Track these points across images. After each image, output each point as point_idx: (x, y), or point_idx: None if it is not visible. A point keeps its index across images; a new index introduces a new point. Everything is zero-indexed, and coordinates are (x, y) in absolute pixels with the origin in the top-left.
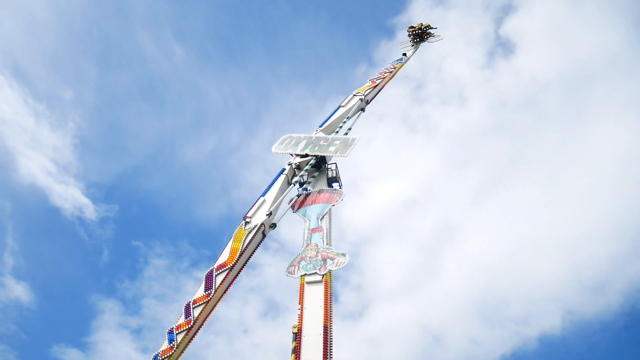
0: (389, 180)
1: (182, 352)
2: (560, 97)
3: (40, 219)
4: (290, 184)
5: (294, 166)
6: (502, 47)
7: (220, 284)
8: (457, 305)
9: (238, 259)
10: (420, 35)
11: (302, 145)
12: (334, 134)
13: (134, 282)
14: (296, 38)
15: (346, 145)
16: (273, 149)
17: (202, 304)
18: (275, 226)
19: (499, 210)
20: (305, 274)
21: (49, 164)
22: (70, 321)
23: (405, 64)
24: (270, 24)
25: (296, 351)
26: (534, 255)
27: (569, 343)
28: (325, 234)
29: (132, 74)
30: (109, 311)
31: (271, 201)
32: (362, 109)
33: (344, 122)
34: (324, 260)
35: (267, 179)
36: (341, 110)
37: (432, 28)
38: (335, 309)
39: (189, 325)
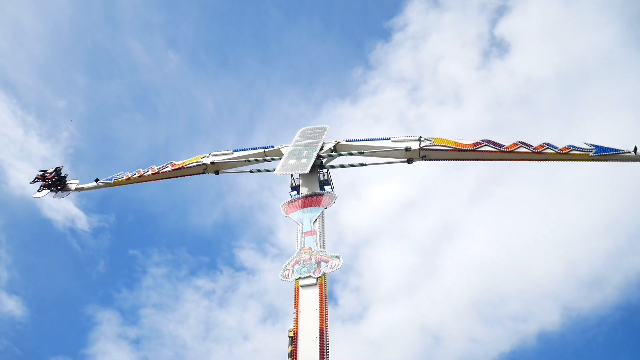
0: (387, 181)
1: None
2: (555, 96)
3: (32, 231)
4: (268, 161)
5: (281, 151)
6: (497, 47)
7: (158, 173)
8: (456, 305)
9: (177, 170)
10: None
11: (304, 142)
12: (327, 157)
13: (132, 292)
14: (289, 44)
15: (294, 167)
16: (300, 131)
17: (148, 174)
18: (218, 173)
19: (496, 210)
20: (299, 278)
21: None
22: (67, 333)
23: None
24: (263, 31)
25: (292, 355)
26: (531, 253)
27: (567, 339)
28: (318, 236)
29: (123, 82)
30: (107, 322)
31: (233, 157)
32: (409, 160)
33: (353, 154)
34: (318, 263)
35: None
36: (383, 143)
37: None
38: (335, 312)
39: (129, 177)
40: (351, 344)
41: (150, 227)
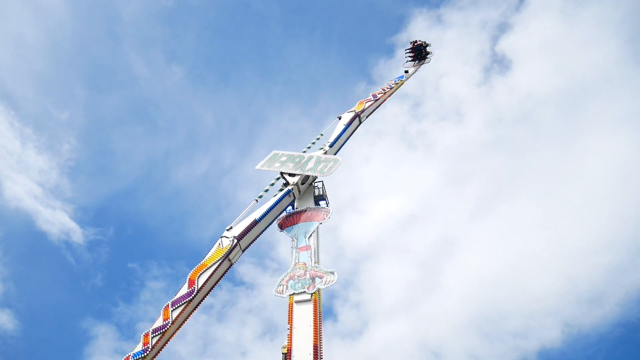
0: (388, 196)
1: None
2: (556, 112)
3: (27, 244)
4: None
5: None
6: (498, 63)
7: None
8: (456, 321)
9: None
10: None
11: (309, 161)
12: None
13: (130, 306)
14: (289, 60)
15: (263, 163)
16: (335, 157)
17: None
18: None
19: (497, 225)
20: (293, 293)
21: (35, 188)
22: (61, 348)
23: None
24: (263, 46)
25: None
26: (532, 268)
27: (568, 356)
28: (313, 252)
29: (123, 95)
30: (103, 336)
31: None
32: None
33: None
34: (313, 278)
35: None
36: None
37: None
38: (335, 328)
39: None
40: None
41: (149, 240)
